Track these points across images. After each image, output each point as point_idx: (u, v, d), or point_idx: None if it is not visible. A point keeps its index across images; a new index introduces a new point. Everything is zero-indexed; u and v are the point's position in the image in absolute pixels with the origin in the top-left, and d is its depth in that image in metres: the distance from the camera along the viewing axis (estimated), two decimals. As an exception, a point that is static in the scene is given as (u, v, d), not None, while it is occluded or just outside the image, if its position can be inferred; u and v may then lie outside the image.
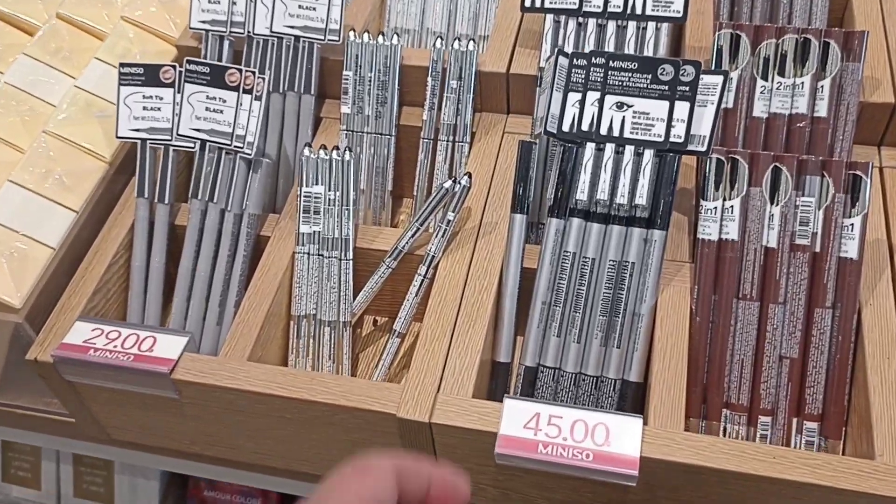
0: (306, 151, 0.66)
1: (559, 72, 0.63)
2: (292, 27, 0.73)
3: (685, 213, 0.66)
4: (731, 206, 0.60)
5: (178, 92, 0.68)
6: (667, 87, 0.60)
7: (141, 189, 0.69)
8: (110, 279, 0.68)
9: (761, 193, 0.60)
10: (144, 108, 0.69)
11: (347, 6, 0.78)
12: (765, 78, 0.66)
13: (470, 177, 0.64)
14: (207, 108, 0.68)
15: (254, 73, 0.66)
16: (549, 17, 0.71)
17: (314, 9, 0.72)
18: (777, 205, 0.60)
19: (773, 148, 0.65)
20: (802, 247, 0.59)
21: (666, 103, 0.60)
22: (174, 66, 0.68)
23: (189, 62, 0.68)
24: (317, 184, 0.66)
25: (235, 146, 0.67)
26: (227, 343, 0.62)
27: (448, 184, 0.64)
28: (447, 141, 0.73)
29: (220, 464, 0.71)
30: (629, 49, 0.70)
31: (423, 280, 0.65)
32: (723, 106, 0.62)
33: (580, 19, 0.70)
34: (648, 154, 0.60)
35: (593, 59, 0.62)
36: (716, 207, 0.61)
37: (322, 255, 0.66)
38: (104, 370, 0.61)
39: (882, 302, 0.59)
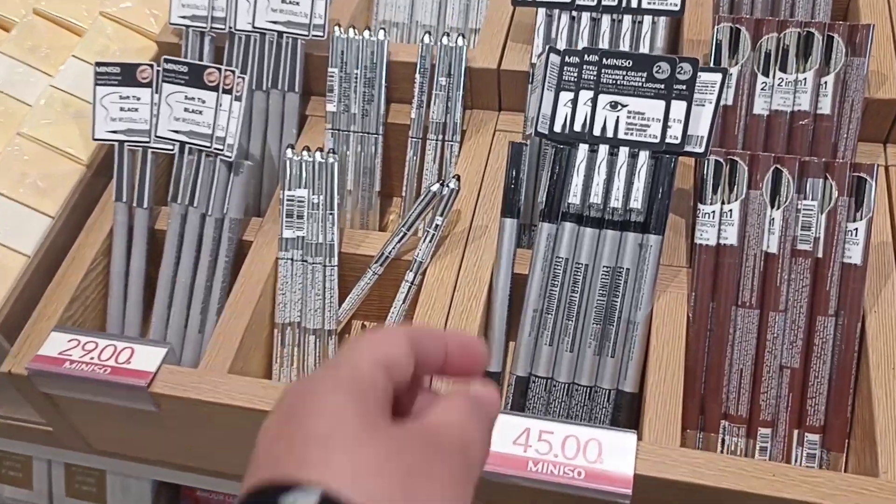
0: (289, 153, 0.64)
1: (550, 70, 0.61)
2: (275, 22, 0.71)
3: (682, 215, 0.64)
4: (730, 210, 0.58)
5: (156, 92, 0.66)
6: (663, 86, 0.58)
7: (119, 193, 0.67)
8: (88, 286, 0.66)
9: (761, 197, 0.58)
10: (121, 109, 0.66)
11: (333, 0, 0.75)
12: (766, 74, 0.63)
13: (458, 180, 0.62)
14: (186, 109, 0.65)
15: (233, 72, 0.64)
16: (542, 10, 0.68)
17: (297, 3, 0.70)
18: (778, 208, 0.57)
19: (775, 147, 0.63)
20: (804, 252, 0.57)
21: (662, 103, 0.58)
22: (151, 66, 0.66)
23: (167, 61, 0.65)
24: (300, 187, 0.64)
25: (216, 148, 0.65)
26: (207, 354, 0.60)
27: (435, 187, 0.62)
28: (436, 140, 0.70)
29: (208, 474, 0.69)
30: (624, 44, 0.67)
31: (410, 287, 0.63)
32: (722, 103, 0.60)
33: (573, 13, 0.67)
34: (644, 156, 0.58)
35: (586, 56, 0.59)
36: (714, 211, 0.58)
37: (306, 261, 0.64)
38: (80, 383, 0.59)
39: (887, 309, 0.57)
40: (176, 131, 0.66)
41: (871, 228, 0.56)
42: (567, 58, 0.60)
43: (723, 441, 0.58)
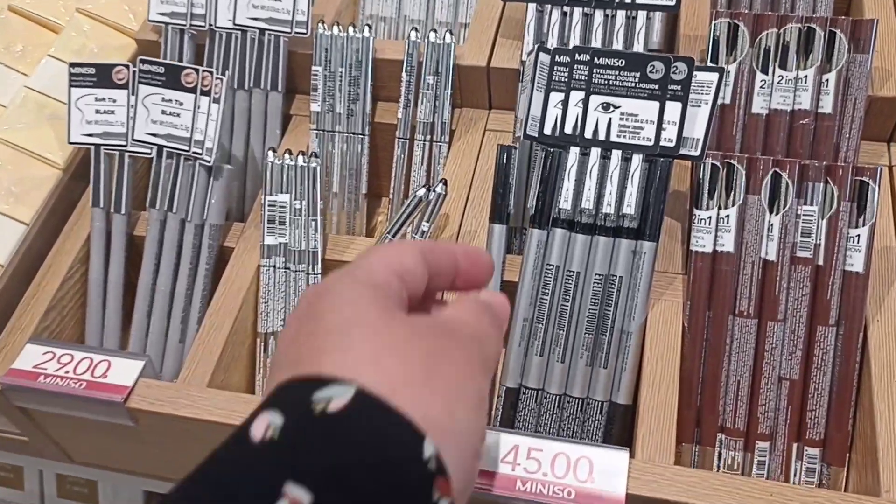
0: (270, 156, 0.62)
1: (540, 70, 0.58)
2: (257, 19, 0.68)
3: (678, 218, 0.62)
4: (727, 216, 0.56)
5: (133, 94, 0.63)
6: (657, 87, 0.55)
7: (96, 198, 0.65)
8: (65, 295, 0.64)
9: (759, 202, 0.55)
10: (97, 112, 0.64)
11: (318, -6, 0.73)
12: (765, 71, 0.61)
13: (445, 184, 0.60)
14: (164, 112, 0.63)
15: (211, 73, 0.61)
16: (532, 6, 0.66)
17: (279, -1, 0.67)
18: (777, 214, 0.55)
19: (774, 147, 0.60)
20: (804, 259, 0.55)
21: (656, 104, 0.55)
22: (127, 66, 0.63)
23: (143, 62, 0.63)
24: (281, 192, 0.61)
25: (194, 152, 0.62)
26: (185, 367, 0.58)
27: (421, 192, 0.59)
28: (424, 141, 0.68)
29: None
30: (618, 41, 0.64)
31: (396, 295, 0.61)
32: (719, 102, 0.57)
33: (565, 8, 0.65)
34: (637, 159, 0.56)
35: (577, 55, 0.56)
36: (710, 217, 0.56)
37: (289, 269, 0.62)
38: (55, 397, 0.57)
39: (890, 318, 0.55)
40: (153, 134, 0.63)
41: (874, 235, 0.54)
42: (557, 57, 0.57)
43: (719, 455, 0.56)
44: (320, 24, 0.67)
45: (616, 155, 0.56)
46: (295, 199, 0.61)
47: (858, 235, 0.54)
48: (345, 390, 0.26)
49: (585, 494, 0.49)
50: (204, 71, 0.61)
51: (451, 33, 0.66)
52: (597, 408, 0.57)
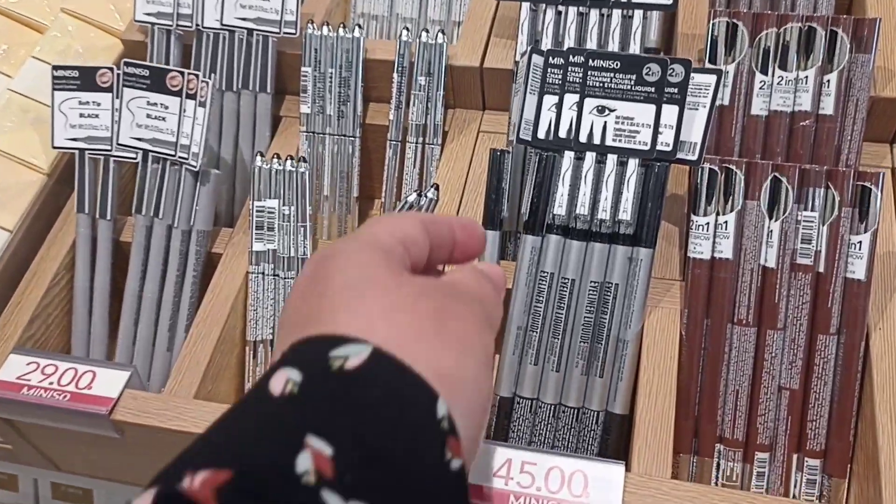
0: (258, 161, 0.60)
1: (533, 72, 0.57)
2: (244, 19, 0.67)
3: (676, 223, 0.60)
4: (726, 222, 0.54)
5: (117, 97, 0.62)
6: (653, 89, 0.54)
7: (81, 204, 0.63)
8: (50, 303, 0.62)
9: (759, 207, 0.54)
10: (81, 115, 0.63)
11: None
12: (764, 72, 0.59)
13: (437, 189, 0.58)
14: (149, 115, 0.61)
15: (197, 76, 0.60)
16: (526, 5, 0.64)
17: (268, -2, 0.66)
18: (776, 220, 0.54)
19: (774, 149, 0.59)
20: (804, 267, 0.53)
21: (652, 107, 0.54)
22: (112, 69, 0.62)
23: (127, 64, 0.61)
24: (270, 197, 0.60)
25: (180, 157, 0.61)
26: (172, 378, 0.57)
27: (412, 197, 0.58)
28: (416, 143, 0.66)
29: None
30: (614, 41, 0.63)
31: (387, 302, 0.59)
32: (717, 103, 0.56)
33: (559, 7, 0.63)
34: (633, 164, 0.54)
35: (571, 57, 0.55)
36: (708, 223, 0.55)
37: (278, 276, 0.60)
38: (39, 409, 0.56)
39: (893, 326, 0.54)
40: (139, 139, 0.62)
41: (876, 241, 0.53)
42: (551, 59, 0.56)
43: (718, 466, 0.55)
44: (309, 24, 0.66)
45: (611, 159, 0.54)
46: (283, 205, 0.60)
47: (860, 242, 0.53)
48: (361, 349, 0.27)
49: (580, 510, 0.48)
50: (189, 74, 0.60)
51: (444, 32, 0.65)
52: (593, 418, 0.56)
